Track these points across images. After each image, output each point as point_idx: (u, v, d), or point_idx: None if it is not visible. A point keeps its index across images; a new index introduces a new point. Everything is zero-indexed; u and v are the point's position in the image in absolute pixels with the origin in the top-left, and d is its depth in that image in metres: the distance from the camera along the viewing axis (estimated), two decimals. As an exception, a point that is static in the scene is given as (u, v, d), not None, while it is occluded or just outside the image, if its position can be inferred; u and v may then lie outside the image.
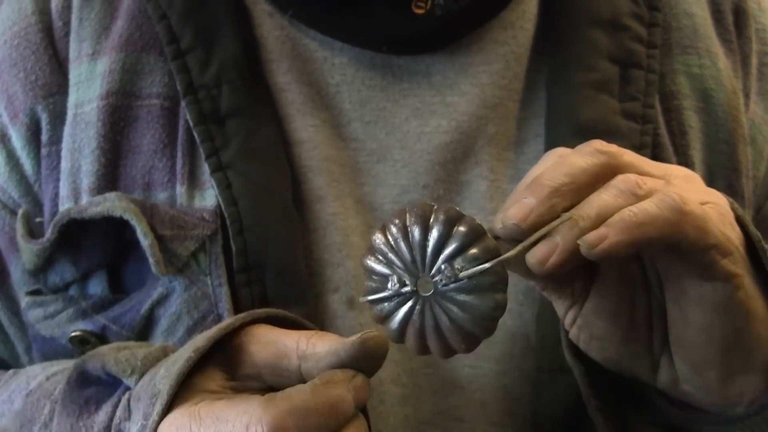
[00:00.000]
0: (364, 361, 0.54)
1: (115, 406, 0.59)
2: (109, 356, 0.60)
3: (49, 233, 0.68)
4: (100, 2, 0.71)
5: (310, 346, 0.55)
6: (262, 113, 0.68)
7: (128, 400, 0.58)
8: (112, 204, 0.66)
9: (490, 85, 0.70)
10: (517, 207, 0.52)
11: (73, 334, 0.68)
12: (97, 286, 0.68)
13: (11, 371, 0.70)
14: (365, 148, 0.69)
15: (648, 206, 0.51)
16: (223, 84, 0.67)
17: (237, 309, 0.65)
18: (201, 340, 0.57)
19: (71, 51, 0.71)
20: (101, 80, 0.69)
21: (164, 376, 0.56)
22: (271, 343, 0.56)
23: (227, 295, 0.65)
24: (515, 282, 0.66)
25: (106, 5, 0.71)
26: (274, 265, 0.65)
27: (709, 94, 0.72)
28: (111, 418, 0.58)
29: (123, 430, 0.58)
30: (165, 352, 0.60)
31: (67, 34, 0.71)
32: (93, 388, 0.61)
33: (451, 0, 0.67)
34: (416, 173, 0.68)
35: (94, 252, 0.68)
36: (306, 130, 0.68)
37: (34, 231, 0.70)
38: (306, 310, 0.64)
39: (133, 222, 0.65)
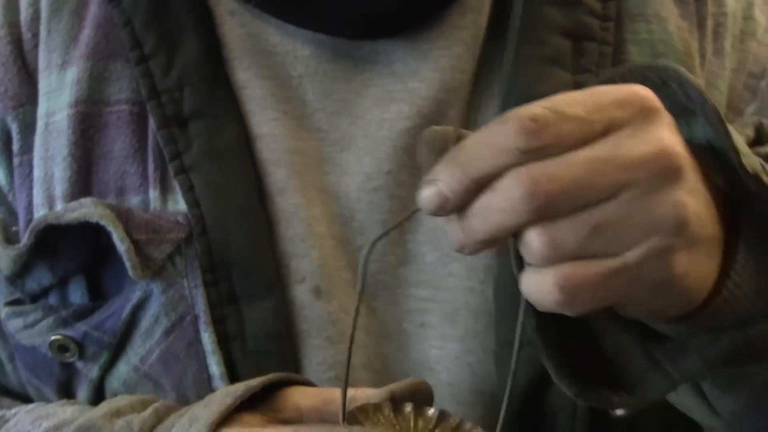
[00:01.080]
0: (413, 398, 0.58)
1: None
2: (105, 429, 0.62)
3: (25, 239, 0.68)
4: (68, 13, 0.72)
5: (360, 392, 0.58)
6: (225, 113, 0.68)
7: None
8: (88, 210, 0.67)
9: (449, 68, 0.70)
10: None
11: (52, 338, 0.68)
12: (76, 293, 0.69)
13: None
14: (329, 138, 0.70)
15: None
16: (185, 87, 0.68)
17: (211, 308, 0.66)
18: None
19: (41, 61, 0.72)
20: (70, 89, 0.70)
21: None
22: (316, 393, 0.59)
23: (204, 297, 0.66)
24: (475, 260, 0.67)
25: (74, 16, 0.72)
26: (238, 262, 0.66)
27: (660, 59, 0.72)
28: None
29: None
30: (158, 417, 0.62)
31: (36, 45, 0.72)
32: None
33: None
34: (380, 160, 0.69)
35: (71, 257, 0.69)
36: (267, 124, 0.69)
37: (11, 238, 0.71)
38: (273, 302, 0.66)
39: (110, 228, 0.66)
